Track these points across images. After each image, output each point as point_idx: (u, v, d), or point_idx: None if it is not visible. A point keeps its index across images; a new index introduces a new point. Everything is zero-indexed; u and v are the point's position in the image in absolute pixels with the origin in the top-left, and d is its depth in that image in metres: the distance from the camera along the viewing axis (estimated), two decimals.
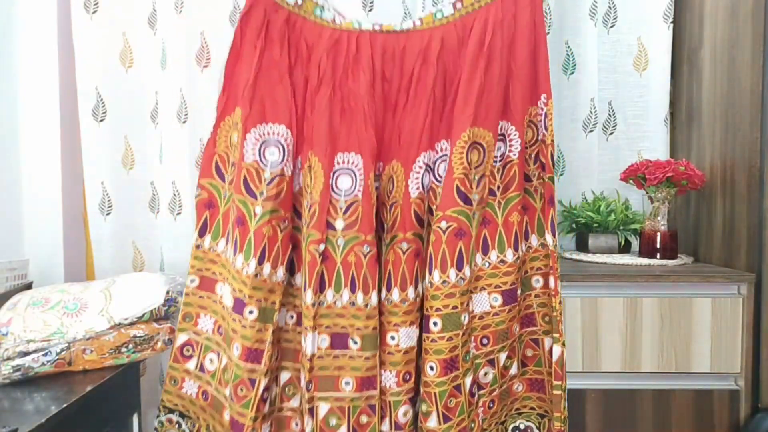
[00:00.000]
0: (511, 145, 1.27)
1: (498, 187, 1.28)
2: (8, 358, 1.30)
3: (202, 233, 1.26)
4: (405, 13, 1.88)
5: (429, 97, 1.25)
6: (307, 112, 1.23)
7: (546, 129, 1.25)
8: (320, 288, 1.21)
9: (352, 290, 1.20)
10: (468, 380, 1.24)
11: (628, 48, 1.91)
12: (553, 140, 1.27)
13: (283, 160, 1.20)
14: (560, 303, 1.30)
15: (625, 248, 1.80)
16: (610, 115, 1.93)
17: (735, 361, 1.46)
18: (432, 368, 1.21)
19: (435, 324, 1.21)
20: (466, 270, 1.22)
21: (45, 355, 1.32)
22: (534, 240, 1.31)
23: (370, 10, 1.86)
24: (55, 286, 1.51)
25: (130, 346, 1.40)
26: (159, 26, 1.84)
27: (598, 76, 1.88)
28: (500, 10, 1.22)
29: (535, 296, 1.35)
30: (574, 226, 1.84)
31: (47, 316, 1.38)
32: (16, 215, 1.76)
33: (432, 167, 1.27)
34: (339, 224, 1.20)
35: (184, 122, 1.83)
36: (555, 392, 1.29)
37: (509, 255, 1.28)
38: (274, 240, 1.19)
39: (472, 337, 1.27)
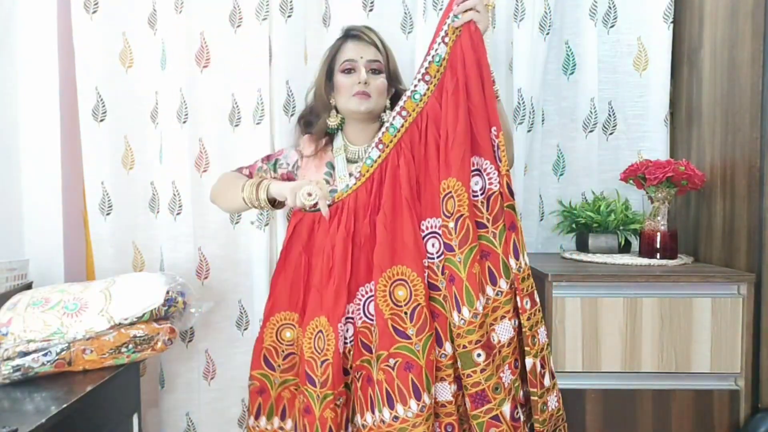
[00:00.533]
0: (489, 178, 1.34)
1: (488, 219, 1.34)
2: (8, 358, 1.31)
3: (257, 416, 1.45)
4: (405, 13, 1.88)
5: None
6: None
7: (500, 160, 1.33)
8: None
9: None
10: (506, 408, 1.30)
11: (628, 48, 1.91)
12: (507, 170, 1.34)
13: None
14: (528, 319, 1.32)
15: (625, 248, 1.80)
16: (610, 115, 1.92)
17: (735, 361, 1.46)
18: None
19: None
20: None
21: (45, 355, 1.32)
22: (503, 284, 1.33)
23: (371, 11, 1.86)
24: (55, 286, 1.51)
25: (130, 346, 1.40)
26: (159, 26, 1.84)
27: (598, 76, 1.88)
28: (455, 61, 1.35)
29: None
30: (574, 226, 1.84)
31: (47, 316, 1.38)
32: (16, 215, 1.76)
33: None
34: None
35: (184, 122, 1.83)
36: (532, 398, 1.33)
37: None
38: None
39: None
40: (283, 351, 1.44)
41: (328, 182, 1.47)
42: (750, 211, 1.51)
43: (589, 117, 1.89)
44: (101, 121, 1.84)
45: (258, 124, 1.84)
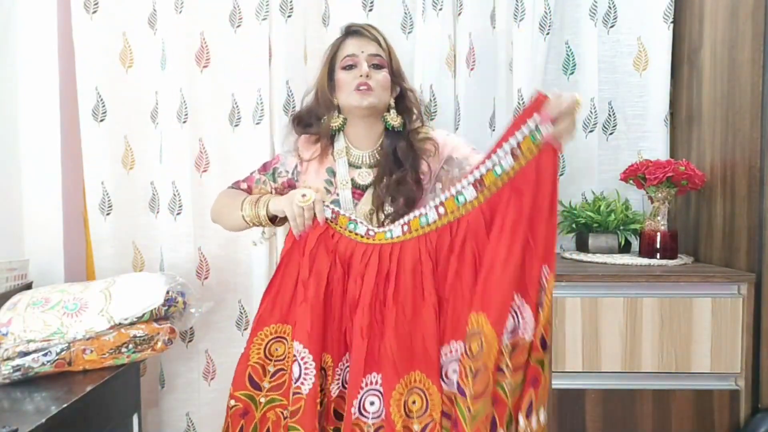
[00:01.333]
0: (524, 324, 1.14)
1: (507, 366, 1.14)
2: (8, 358, 1.30)
3: None
4: (405, 14, 1.88)
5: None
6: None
7: (541, 307, 1.14)
8: None
9: None
10: None
11: (628, 48, 1.91)
12: (547, 321, 1.14)
13: (299, 377, 1.23)
14: None
15: (625, 248, 1.80)
16: (610, 115, 1.92)
17: (735, 361, 1.46)
18: None
19: None
20: None
21: (45, 355, 1.32)
22: None
23: (371, 10, 1.86)
24: (55, 286, 1.51)
25: (130, 346, 1.40)
26: (159, 26, 1.84)
27: (598, 76, 1.88)
28: (523, 181, 1.14)
29: None
30: (574, 226, 1.84)
31: (47, 316, 1.38)
32: (16, 215, 1.76)
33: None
34: None
35: (184, 122, 1.83)
36: None
37: None
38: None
39: None
40: (270, 369, 1.30)
41: (328, 191, 1.40)
42: (750, 211, 1.51)
43: (589, 117, 1.89)
44: (101, 121, 1.84)
45: (258, 124, 1.84)
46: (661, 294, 1.48)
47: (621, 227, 1.79)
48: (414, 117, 1.46)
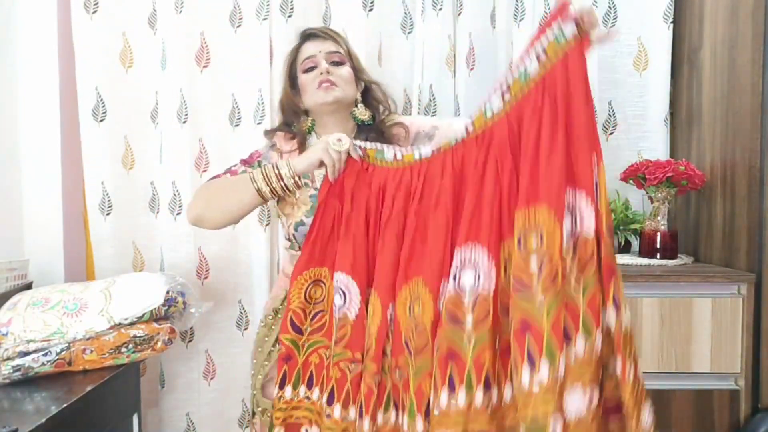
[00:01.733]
0: (582, 218, 1.08)
1: (570, 270, 1.08)
2: (8, 358, 1.30)
3: (282, 385, 1.28)
4: (405, 13, 1.88)
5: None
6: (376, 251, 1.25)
7: (599, 194, 1.08)
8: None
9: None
10: None
11: (628, 48, 1.90)
12: (607, 207, 1.08)
13: (344, 304, 1.23)
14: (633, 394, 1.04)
15: (625, 248, 1.80)
16: (610, 115, 1.92)
17: (735, 361, 1.46)
18: None
19: None
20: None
21: (45, 355, 1.32)
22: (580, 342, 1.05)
23: (371, 10, 1.85)
24: (55, 286, 1.51)
25: (130, 346, 1.40)
26: (159, 26, 1.84)
27: (598, 76, 1.88)
28: (553, 80, 1.11)
29: None
30: None
31: (47, 316, 1.38)
32: (16, 215, 1.76)
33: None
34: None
35: (184, 122, 1.83)
36: None
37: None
38: (342, 382, 1.22)
39: None
40: (311, 311, 1.28)
41: (308, 185, 1.37)
42: (750, 211, 1.51)
43: None
44: (101, 121, 1.84)
45: (258, 124, 1.84)
46: (661, 294, 1.48)
47: (621, 227, 1.79)
48: (382, 109, 1.46)
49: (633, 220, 1.79)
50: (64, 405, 1.17)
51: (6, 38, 1.72)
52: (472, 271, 1.13)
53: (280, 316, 1.35)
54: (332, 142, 1.24)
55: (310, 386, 1.27)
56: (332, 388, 1.22)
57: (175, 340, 1.48)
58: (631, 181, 1.70)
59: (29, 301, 1.42)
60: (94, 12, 1.82)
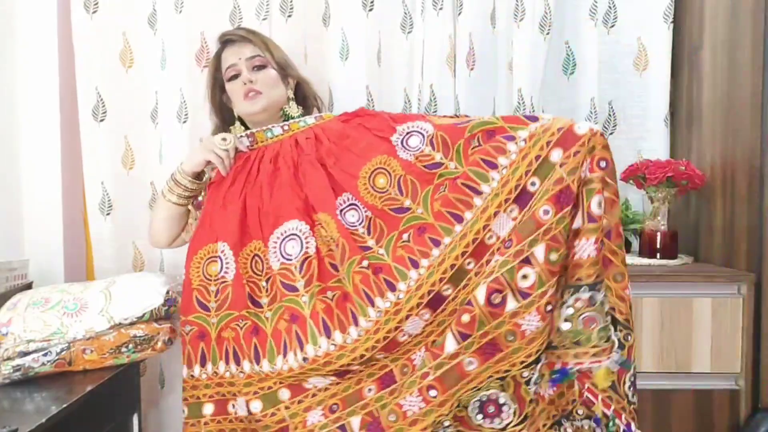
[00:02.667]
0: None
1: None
2: (8, 358, 1.30)
3: (203, 363, 1.32)
4: (405, 13, 1.88)
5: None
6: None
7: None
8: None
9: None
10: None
11: (628, 48, 1.90)
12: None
13: (221, 268, 1.33)
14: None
15: (625, 248, 1.79)
16: (610, 115, 1.92)
17: (735, 361, 1.47)
18: None
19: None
20: None
21: (45, 355, 1.32)
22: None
23: (371, 10, 1.85)
24: (55, 286, 1.51)
25: (130, 346, 1.40)
26: (159, 26, 1.84)
27: (598, 77, 1.88)
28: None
29: None
30: None
31: (47, 316, 1.38)
32: (16, 215, 1.76)
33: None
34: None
35: (184, 122, 1.83)
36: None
37: None
38: (237, 340, 1.31)
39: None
40: (212, 288, 1.32)
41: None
42: (750, 211, 1.51)
43: (589, 117, 1.89)
44: (101, 121, 1.84)
45: None
46: (661, 294, 1.48)
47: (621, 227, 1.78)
48: (312, 105, 1.51)
49: (633, 220, 1.79)
50: (64, 405, 1.17)
51: (6, 38, 1.72)
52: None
53: None
54: (218, 143, 1.34)
55: (238, 362, 1.29)
56: (234, 349, 1.29)
57: (175, 340, 1.48)
58: (631, 181, 1.70)
59: (29, 301, 1.41)
60: (94, 12, 1.81)
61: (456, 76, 1.87)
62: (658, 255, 1.65)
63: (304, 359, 1.22)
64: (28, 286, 1.64)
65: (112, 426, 1.42)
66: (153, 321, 1.44)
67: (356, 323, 1.22)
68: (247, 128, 1.46)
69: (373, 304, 1.22)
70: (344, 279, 1.26)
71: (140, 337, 1.41)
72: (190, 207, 1.46)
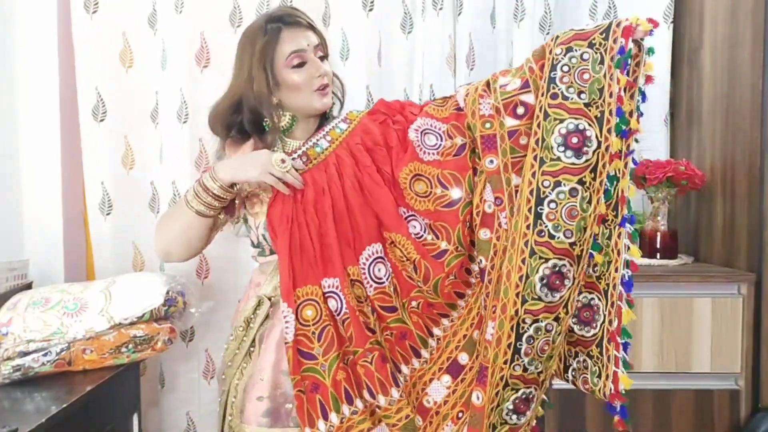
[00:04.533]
0: None
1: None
2: (8, 358, 1.31)
3: (326, 416, 1.23)
4: (405, 13, 1.88)
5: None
6: None
7: None
8: None
9: None
10: None
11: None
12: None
13: (340, 305, 1.28)
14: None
15: (624, 248, 1.79)
16: None
17: (735, 361, 1.47)
18: None
19: None
20: None
21: (45, 355, 1.32)
22: None
23: (371, 10, 1.85)
24: (55, 286, 1.51)
25: (130, 346, 1.40)
26: (159, 26, 1.84)
27: None
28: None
29: None
30: None
31: (47, 316, 1.38)
32: (16, 215, 1.76)
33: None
34: None
35: (184, 122, 1.83)
36: None
37: None
38: (370, 374, 1.27)
39: None
40: (313, 332, 1.22)
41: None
42: (750, 211, 1.51)
43: None
44: (101, 121, 1.84)
45: None
46: (661, 294, 1.48)
47: None
48: (339, 101, 1.41)
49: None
50: (64, 405, 1.17)
51: (6, 38, 1.72)
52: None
53: (252, 326, 1.29)
54: (275, 163, 1.20)
55: (350, 402, 1.22)
56: (365, 384, 1.22)
57: (175, 340, 1.48)
58: (631, 181, 1.70)
59: (29, 301, 1.41)
60: (94, 12, 1.81)
61: (456, 76, 1.87)
62: (658, 255, 1.65)
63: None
64: (28, 286, 1.64)
65: (112, 426, 1.42)
66: (153, 321, 1.44)
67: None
68: (292, 120, 1.32)
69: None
70: (430, 292, 1.24)
71: (140, 337, 1.41)
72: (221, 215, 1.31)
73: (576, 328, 1.18)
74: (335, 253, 1.22)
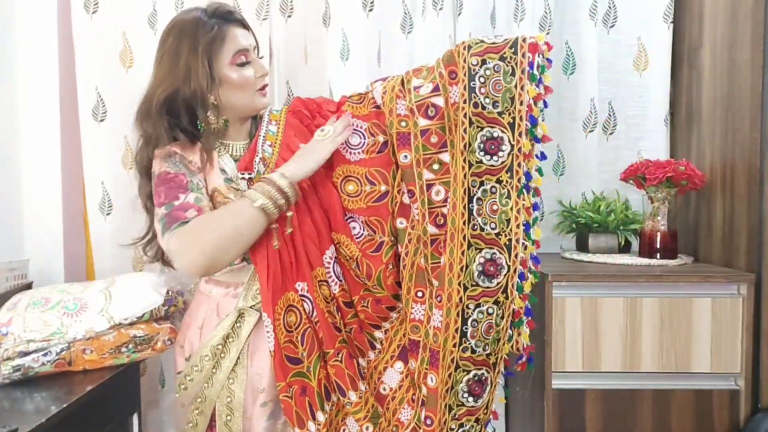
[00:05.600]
0: None
1: None
2: (8, 358, 1.31)
3: (314, 416, 1.27)
4: (405, 13, 1.88)
5: None
6: None
7: None
8: None
9: None
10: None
11: (628, 48, 1.90)
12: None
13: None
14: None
15: (625, 248, 1.80)
16: (610, 115, 1.92)
17: (735, 361, 1.46)
18: None
19: None
20: None
21: (45, 355, 1.32)
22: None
23: (371, 10, 1.86)
24: (55, 286, 1.51)
25: (130, 346, 1.40)
26: (159, 26, 1.83)
27: (598, 76, 1.88)
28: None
29: None
30: (574, 226, 1.84)
31: (47, 316, 1.38)
32: (16, 215, 1.76)
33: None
34: None
35: None
36: None
37: None
38: (340, 372, 1.34)
39: None
40: (296, 337, 1.25)
41: (236, 189, 1.27)
42: (750, 211, 1.51)
43: (589, 117, 1.89)
44: (101, 121, 1.84)
45: None
46: (661, 294, 1.48)
47: (621, 227, 1.79)
48: None
49: (633, 220, 1.79)
50: (64, 405, 1.17)
51: (6, 38, 1.72)
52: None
53: (234, 340, 1.27)
54: (326, 137, 1.27)
55: (343, 394, 1.27)
56: (335, 383, 1.28)
57: (175, 340, 1.48)
58: (631, 181, 1.70)
59: (29, 301, 1.42)
60: (94, 12, 1.82)
61: None
62: (658, 255, 1.65)
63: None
64: (28, 286, 1.64)
65: (112, 426, 1.42)
66: (153, 321, 1.44)
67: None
68: (225, 123, 1.32)
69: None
70: (375, 287, 1.31)
71: (140, 337, 1.41)
72: None
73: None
74: (302, 255, 1.26)
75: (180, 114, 1.28)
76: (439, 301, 1.24)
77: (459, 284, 1.22)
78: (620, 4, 1.89)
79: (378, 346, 1.34)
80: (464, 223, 1.22)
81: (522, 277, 1.26)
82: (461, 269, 1.22)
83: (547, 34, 1.84)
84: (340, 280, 1.30)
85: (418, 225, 1.27)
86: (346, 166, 1.32)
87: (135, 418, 1.55)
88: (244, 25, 1.32)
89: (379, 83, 1.34)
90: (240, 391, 1.27)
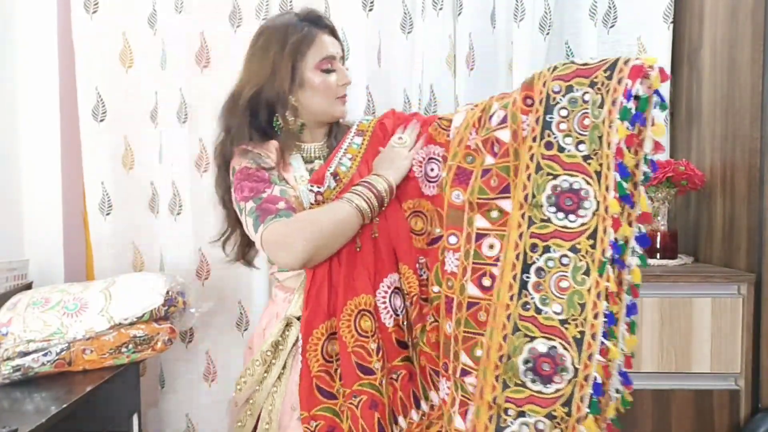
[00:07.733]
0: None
1: None
2: (8, 358, 1.30)
3: None
4: (405, 13, 1.88)
5: None
6: None
7: None
8: None
9: None
10: None
11: (628, 48, 1.90)
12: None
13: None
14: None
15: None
16: None
17: (735, 361, 1.46)
18: None
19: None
20: None
21: (45, 355, 1.32)
22: None
23: (371, 10, 1.85)
24: (55, 286, 1.51)
25: (130, 346, 1.40)
26: (159, 26, 1.84)
27: None
28: None
29: None
30: None
31: (47, 316, 1.38)
32: (16, 215, 1.76)
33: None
34: None
35: (184, 122, 1.83)
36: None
37: None
38: (394, 394, 1.18)
39: None
40: (336, 369, 1.14)
41: (293, 187, 1.24)
42: (750, 211, 1.51)
43: None
44: (101, 121, 1.84)
45: None
46: (661, 294, 1.48)
47: None
48: None
49: None
50: (64, 405, 1.17)
51: (6, 38, 1.72)
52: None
53: (282, 348, 1.23)
54: (403, 144, 1.22)
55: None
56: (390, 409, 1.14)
57: (175, 341, 1.48)
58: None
59: (29, 301, 1.41)
60: (94, 12, 1.82)
61: (456, 76, 1.88)
62: (658, 255, 1.65)
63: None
64: (28, 286, 1.64)
65: (112, 426, 1.42)
66: (153, 321, 1.44)
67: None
68: (301, 127, 1.30)
69: None
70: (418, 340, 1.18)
71: (140, 337, 1.41)
72: None
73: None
74: (349, 282, 1.16)
75: (259, 112, 1.26)
76: (471, 397, 1.02)
77: (496, 379, 0.94)
78: (620, 4, 1.89)
79: (425, 408, 1.17)
80: (511, 299, 0.94)
81: (598, 390, 0.91)
82: (500, 359, 0.94)
83: (547, 34, 1.84)
84: (396, 315, 1.16)
85: (455, 281, 1.06)
86: (419, 200, 1.19)
87: (135, 418, 1.55)
88: (333, 33, 1.30)
89: (465, 108, 1.20)
90: (279, 402, 1.23)
